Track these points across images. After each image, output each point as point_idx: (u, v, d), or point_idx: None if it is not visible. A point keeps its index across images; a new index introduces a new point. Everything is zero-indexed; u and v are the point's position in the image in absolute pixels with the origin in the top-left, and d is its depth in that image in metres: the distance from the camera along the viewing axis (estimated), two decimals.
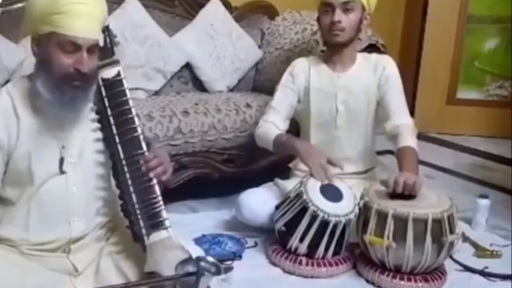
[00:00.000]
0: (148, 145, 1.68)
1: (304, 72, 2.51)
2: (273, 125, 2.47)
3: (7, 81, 2.58)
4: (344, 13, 2.35)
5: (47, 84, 1.58)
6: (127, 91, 1.68)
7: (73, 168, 1.67)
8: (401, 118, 2.41)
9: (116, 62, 1.69)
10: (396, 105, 2.43)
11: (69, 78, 1.57)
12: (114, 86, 1.67)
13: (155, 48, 3.00)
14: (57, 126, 1.65)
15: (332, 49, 2.47)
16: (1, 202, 1.68)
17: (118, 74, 1.68)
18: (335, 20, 2.34)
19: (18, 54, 2.64)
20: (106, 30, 1.69)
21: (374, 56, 2.56)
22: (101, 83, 1.67)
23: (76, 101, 1.61)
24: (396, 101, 2.44)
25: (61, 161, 1.65)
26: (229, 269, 1.85)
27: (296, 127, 2.64)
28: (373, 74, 2.47)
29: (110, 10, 2.91)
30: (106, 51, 1.69)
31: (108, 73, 1.67)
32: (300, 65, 2.54)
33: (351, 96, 2.47)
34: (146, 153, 1.66)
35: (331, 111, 2.48)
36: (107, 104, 1.67)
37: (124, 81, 1.68)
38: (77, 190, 1.68)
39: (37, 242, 1.67)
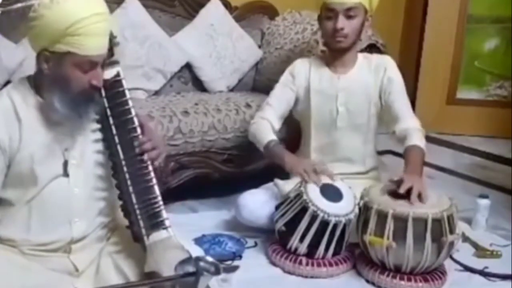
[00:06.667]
0: (141, 126, 1.68)
1: (304, 72, 2.51)
2: (268, 123, 2.46)
3: (7, 81, 2.59)
4: (347, 19, 2.33)
5: (63, 100, 1.58)
6: (127, 92, 1.68)
7: (75, 169, 1.67)
8: (409, 121, 2.41)
9: (116, 63, 1.69)
10: (402, 108, 2.43)
11: (86, 93, 1.60)
12: (114, 86, 1.67)
13: (155, 48, 3.00)
14: (60, 130, 1.65)
15: (334, 53, 2.46)
16: (0, 203, 1.67)
17: (118, 74, 1.68)
18: (339, 27, 2.32)
19: (18, 54, 2.64)
20: None
21: (375, 56, 2.55)
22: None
23: (90, 111, 1.64)
24: (402, 104, 2.44)
25: (65, 164, 1.66)
26: (232, 269, 1.83)
27: (297, 128, 2.64)
28: (374, 75, 2.46)
29: (110, 10, 2.91)
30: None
31: (108, 73, 1.66)
32: (301, 65, 2.54)
33: (352, 98, 2.46)
34: (140, 136, 1.66)
35: (331, 112, 2.48)
36: (106, 104, 1.67)
37: (124, 82, 1.68)
38: (78, 191, 1.68)
39: (38, 242, 1.67)
